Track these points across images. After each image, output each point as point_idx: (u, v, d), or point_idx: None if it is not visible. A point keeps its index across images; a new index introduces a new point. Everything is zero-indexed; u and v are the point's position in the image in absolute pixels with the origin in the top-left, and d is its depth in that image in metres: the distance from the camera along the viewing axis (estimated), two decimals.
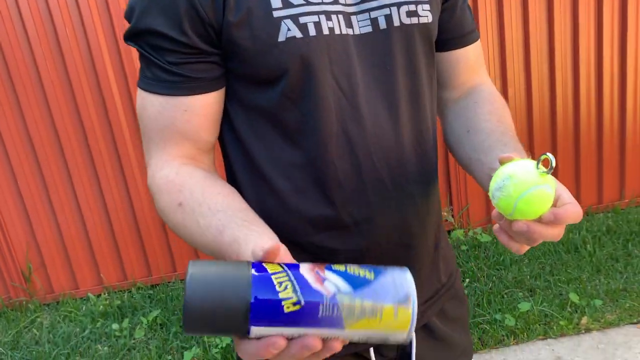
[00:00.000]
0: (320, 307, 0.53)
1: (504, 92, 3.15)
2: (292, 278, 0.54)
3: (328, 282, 0.54)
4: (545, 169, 0.59)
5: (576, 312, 2.52)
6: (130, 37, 0.77)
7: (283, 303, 0.52)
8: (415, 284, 0.58)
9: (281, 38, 0.72)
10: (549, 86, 3.19)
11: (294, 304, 0.52)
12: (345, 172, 0.79)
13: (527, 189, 0.59)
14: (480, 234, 3.26)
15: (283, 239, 0.69)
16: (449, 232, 3.37)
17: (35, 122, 2.95)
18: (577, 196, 3.38)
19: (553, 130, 3.25)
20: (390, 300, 0.54)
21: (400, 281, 0.56)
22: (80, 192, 3.08)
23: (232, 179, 0.86)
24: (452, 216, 3.37)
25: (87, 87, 2.94)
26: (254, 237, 0.67)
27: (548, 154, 0.59)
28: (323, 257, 0.81)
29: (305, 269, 0.56)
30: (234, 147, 0.83)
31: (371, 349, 0.89)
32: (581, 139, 3.28)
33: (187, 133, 0.78)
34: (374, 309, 0.54)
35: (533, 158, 0.65)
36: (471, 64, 0.96)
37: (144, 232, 3.18)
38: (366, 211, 0.81)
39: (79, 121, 2.98)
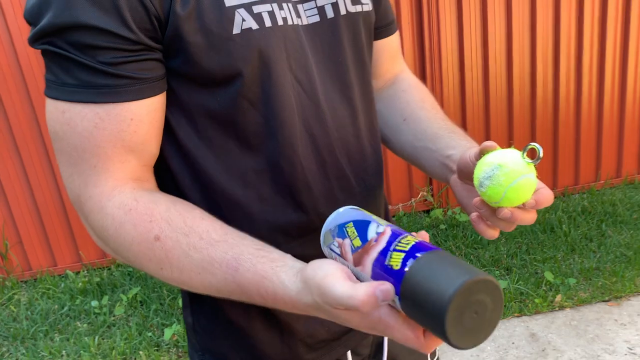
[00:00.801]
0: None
1: (485, 75, 3.18)
2: None
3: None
4: (531, 160, 0.60)
5: (551, 290, 2.58)
6: (43, 36, 0.61)
7: None
8: None
9: (236, 30, 0.64)
10: (530, 69, 3.21)
11: None
12: (312, 172, 0.73)
13: (517, 177, 0.60)
14: (459, 214, 3.30)
15: None
16: (428, 211, 3.41)
17: (11, 98, 2.89)
18: (555, 177, 3.44)
19: (532, 112, 3.29)
20: None
21: None
22: (57, 168, 3.03)
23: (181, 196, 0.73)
24: (432, 196, 3.41)
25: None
26: (281, 270, 0.60)
27: (535, 143, 0.60)
28: None
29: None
30: (178, 162, 0.71)
31: (348, 352, 0.85)
32: (559, 121, 3.32)
33: (133, 147, 0.65)
34: None
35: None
36: (393, 53, 0.95)
37: None
38: (333, 208, 0.73)
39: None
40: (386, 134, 0.92)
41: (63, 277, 3.14)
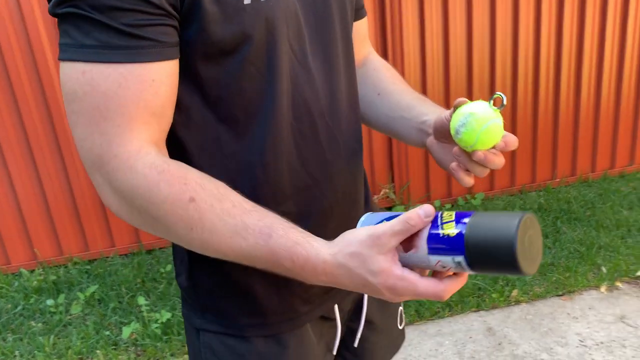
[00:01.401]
0: None
1: (446, 73, 3.22)
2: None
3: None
4: (497, 107, 0.71)
5: (507, 285, 2.65)
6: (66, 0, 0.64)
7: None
8: None
9: (247, 1, 0.68)
10: (489, 69, 3.28)
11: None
12: (304, 134, 0.79)
13: (487, 122, 0.71)
14: None
15: None
16: (390, 208, 3.45)
17: None
18: (513, 175, 3.52)
19: None
20: None
21: None
22: (11, 162, 2.94)
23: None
24: (394, 193, 3.44)
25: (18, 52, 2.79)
26: (312, 238, 0.68)
27: (500, 93, 0.72)
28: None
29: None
30: (187, 131, 0.75)
31: (335, 306, 0.93)
32: (517, 122, 3.40)
33: (155, 109, 0.67)
34: None
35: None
36: (364, 35, 1.03)
37: (80, 205, 3.08)
38: (325, 170, 0.83)
39: (9, 87, 2.83)
40: (362, 108, 0.99)
41: (17, 275, 3.05)
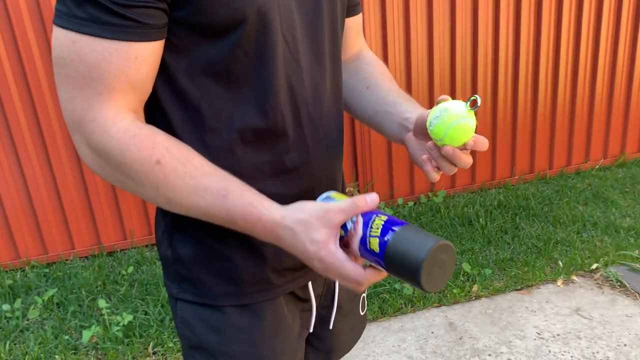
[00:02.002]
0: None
1: (408, 69, 3.26)
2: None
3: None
4: (472, 108, 0.75)
5: (468, 280, 2.70)
6: None
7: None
8: None
9: None
10: (449, 68, 3.34)
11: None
12: (289, 121, 0.83)
13: (458, 119, 0.75)
14: (384, 209, 3.38)
15: None
16: None
17: None
18: (473, 173, 3.60)
19: None
20: None
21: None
22: None
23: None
24: (358, 191, 3.47)
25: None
26: (266, 201, 0.75)
27: (476, 96, 0.75)
28: None
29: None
30: (174, 105, 0.79)
31: (309, 283, 0.97)
32: (478, 121, 3.46)
33: (135, 82, 0.73)
34: None
35: None
36: (358, 30, 1.08)
37: (38, 208, 3.01)
38: (305, 156, 0.87)
39: None
40: (350, 99, 1.05)
41: None
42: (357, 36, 1.08)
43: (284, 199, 0.83)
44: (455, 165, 0.81)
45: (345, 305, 1.07)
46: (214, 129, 0.80)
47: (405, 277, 0.69)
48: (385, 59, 3.19)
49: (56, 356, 2.36)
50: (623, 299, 2.51)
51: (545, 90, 3.54)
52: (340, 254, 0.72)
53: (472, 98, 0.75)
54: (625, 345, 2.21)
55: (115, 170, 0.74)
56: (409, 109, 0.94)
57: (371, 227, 0.72)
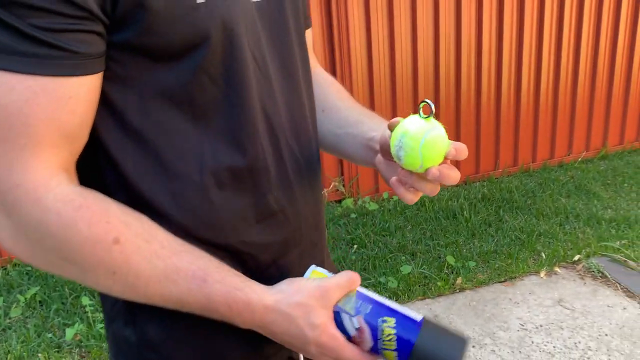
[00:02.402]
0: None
1: (392, 77, 3.27)
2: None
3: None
4: (428, 115, 0.64)
5: (452, 273, 2.72)
6: None
7: None
8: (325, 266, 0.74)
9: None
10: (434, 63, 3.35)
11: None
12: (269, 154, 0.71)
13: (423, 135, 0.63)
14: (369, 203, 3.39)
15: (206, 243, 0.66)
16: (339, 201, 3.48)
17: None
18: (457, 167, 3.61)
19: (436, 106, 3.43)
20: None
21: None
22: None
23: (123, 190, 0.65)
24: (343, 186, 3.47)
25: None
26: (252, 283, 0.64)
27: (426, 99, 0.64)
28: (246, 257, 0.72)
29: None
30: (126, 149, 0.63)
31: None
32: (461, 114, 3.49)
33: (69, 130, 0.56)
34: None
35: None
36: (309, 46, 0.94)
37: None
38: (290, 194, 0.74)
39: None
40: None
41: None
42: (308, 53, 0.95)
43: (270, 248, 0.73)
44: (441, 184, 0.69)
45: None
46: (180, 174, 0.65)
47: None
48: (369, 58, 3.20)
49: (39, 354, 2.34)
50: (604, 290, 2.54)
51: (528, 85, 3.57)
52: (339, 335, 0.64)
53: (422, 104, 0.64)
54: (606, 335, 2.24)
55: (51, 252, 0.57)
56: (373, 127, 0.81)
57: (382, 340, 0.64)
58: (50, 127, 0.55)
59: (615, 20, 3.61)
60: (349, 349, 0.64)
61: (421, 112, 0.64)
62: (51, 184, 0.56)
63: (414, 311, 0.67)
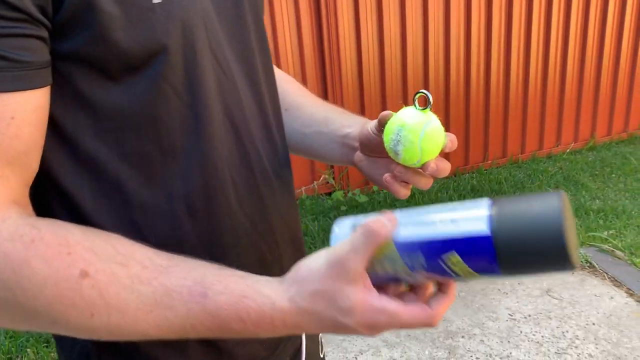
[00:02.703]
0: None
1: (382, 72, 3.26)
2: None
3: None
4: (424, 107, 0.61)
5: None
6: None
7: None
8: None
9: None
10: (422, 55, 3.34)
11: None
12: (236, 167, 0.64)
13: (422, 128, 0.60)
14: (359, 195, 3.39)
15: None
16: (329, 194, 3.48)
17: None
18: (447, 158, 3.61)
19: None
20: None
21: None
22: None
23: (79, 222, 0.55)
24: (333, 178, 3.47)
25: None
26: (258, 284, 0.52)
27: (422, 90, 0.61)
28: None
29: None
30: (79, 179, 0.55)
31: None
32: (450, 107, 3.50)
33: (13, 157, 0.48)
34: None
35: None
36: None
37: None
38: (261, 208, 0.68)
39: None
40: None
41: None
42: None
43: (249, 270, 0.60)
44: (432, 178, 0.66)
45: (310, 357, 0.88)
46: (145, 204, 0.57)
47: (539, 261, 0.47)
48: (358, 51, 3.19)
49: (28, 349, 2.33)
50: (592, 279, 2.56)
51: (517, 77, 3.58)
52: (387, 303, 0.50)
53: (418, 95, 0.61)
54: (593, 324, 2.26)
55: (8, 307, 0.47)
56: (346, 123, 0.77)
57: (455, 270, 0.49)
58: None
59: (603, 13, 3.62)
60: (406, 312, 0.51)
61: (417, 103, 0.61)
62: None
63: (475, 208, 0.49)
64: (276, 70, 0.87)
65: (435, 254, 0.49)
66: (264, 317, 0.51)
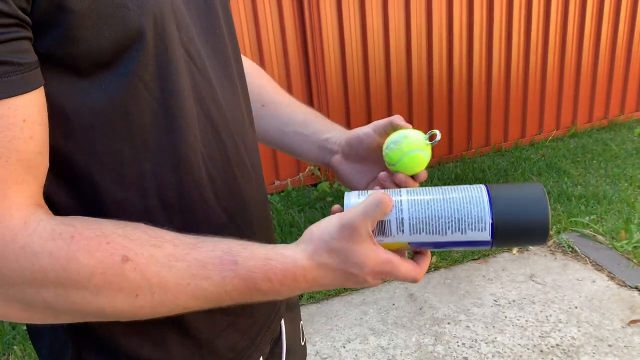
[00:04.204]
0: None
1: (365, 64, 3.27)
2: None
3: None
4: (430, 142, 0.74)
5: None
6: None
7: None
8: None
9: None
10: (405, 48, 3.36)
11: None
12: (215, 161, 0.65)
13: (415, 149, 0.73)
14: (344, 186, 3.40)
15: None
16: (315, 185, 3.49)
17: None
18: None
19: (409, 90, 3.45)
20: None
21: None
22: None
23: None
24: (319, 170, 3.48)
25: None
26: (278, 247, 0.58)
27: (436, 130, 0.74)
28: None
29: None
30: (53, 179, 0.55)
31: (260, 357, 0.80)
32: (434, 98, 3.52)
33: (31, 160, 0.49)
34: None
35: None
36: None
37: None
38: (239, 201, 0.69)
39: None
40: None
41: None
42: None
43: None
44: None
45: (291, 345, 0.91)
46: (120, 201, 0.57)
47: (524, 242, 0.62)
48: (342, 48, 3.19)
49: (15, 347, 2.32)
50: (574, 264, 2.61)
51: (499, 66, 3.61)
52: (392, 256, 0.60)
53: (433, 132, 0.73)
54: (576, 307, 2.30)
55: (56, 302, 0.50)
56: (325, 129, 0.84)
57: (450, 250, 0.65)
58: (10, 160, 0.47)
59: (582, 3, 3.66)
60: (403, 266, 0.60)
61: (428, 136, 0.74)
62: (31, 224, 0.48)
63: (478, 214, 0.61)
64: (244, 59, 0.89)
65: (443, 249, 0.63)
66: (288, 274, 0.57)
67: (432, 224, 0.61)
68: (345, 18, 3.17)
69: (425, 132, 0.74)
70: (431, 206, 0.61)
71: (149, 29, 0.53)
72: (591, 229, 2.82)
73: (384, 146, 0.75)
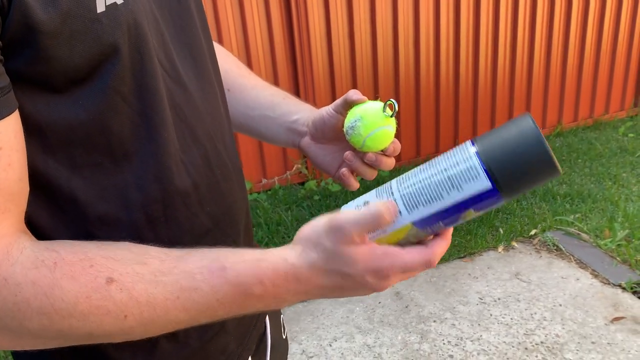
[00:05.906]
0: None
1: (352, 61, 3.26)
2: None
3: None
4: (389, 113, 0.69)
5: None
6: None
7: None
8: None
9: (100, 8, 0.49)
10: (392, 46, 3.36)
11: None
12: (197, 167, 0.63)
13: (374, 129, 0.69)
14: (332, 184, 3.40)
15: None
16: (302, 183, 3.48)
17: None
18: (418, 146, 3.66)
19: (396, 85, 3.46)
20: None
21: None
22: None
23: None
24: (306, 168, 3.48)
25: None
26: (268, 250, 0.55)
27: (392, 100, 0.68)
28: None
29: None
30: (32, 198, 0.53)
31: (249, 357, 0.79)
32: (421, 97, 3.53)
33: (11, 188, 0.47)
34: None
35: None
36: None
37: None
38: (223, 205, 0.68)
39: None
40: None
41: None
42: None
43: None
44: (376, 169, 0.73)
45: (274, 340, 0.90)
46: (104, 216, 0.56)
47: (531, 175, 0.52)
48: (329, 45, 3.19)
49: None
50: (559, 262, 2.63)
51: (485, 67, 3.63)
52: (387, 247, 0.54)
53: (389, 102, 0.68)
54: (560, 305, 2.32)
55: (44, 330, 0.48)
56: (294, 110, 0.80)
57: (461, 218, 0.55)
58: None
59: (567, 3, 3.68)
60: (407, 253, 0.54)
61: (387, 109, 0.69)
62: (13, 254, 0.47)
63: (465, 161, 0.53)
64: (216, 45, 0.86)
65: (453, 219, 0.55)
66: (279, 273, 0.53)
67: (426, 192, 0.54)
68: (332, 13, 3.16)
69: (383, 107, 0.69)
70: (419, 175, 0.56)
71: (123, 41, 0.51)
72: (576, 227, 2.84)
73: (344, 131, 0.71)
